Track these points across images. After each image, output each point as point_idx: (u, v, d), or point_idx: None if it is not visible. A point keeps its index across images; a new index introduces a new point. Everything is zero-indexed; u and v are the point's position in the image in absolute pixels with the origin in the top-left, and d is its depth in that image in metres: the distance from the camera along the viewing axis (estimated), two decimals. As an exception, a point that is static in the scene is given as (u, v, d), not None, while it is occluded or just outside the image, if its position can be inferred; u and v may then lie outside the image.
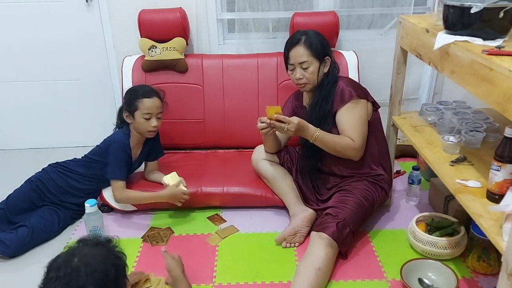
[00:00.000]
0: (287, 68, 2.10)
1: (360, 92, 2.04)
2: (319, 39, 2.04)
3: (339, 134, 2.02)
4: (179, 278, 1.63)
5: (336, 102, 2.02)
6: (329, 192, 2.12)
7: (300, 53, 2.01)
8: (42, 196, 2.21)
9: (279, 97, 2.60)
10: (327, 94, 2.03)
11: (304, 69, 2.02)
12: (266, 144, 2.24)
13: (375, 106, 2.11)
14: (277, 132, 2.12)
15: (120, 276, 1.25)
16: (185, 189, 2.18)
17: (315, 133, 1.95)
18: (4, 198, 2.19)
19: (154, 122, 2.18)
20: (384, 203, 2.24)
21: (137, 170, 2.42)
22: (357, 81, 2.64)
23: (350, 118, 2.00)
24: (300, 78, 2.03)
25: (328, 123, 2.03)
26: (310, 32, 2.06)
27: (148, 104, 2.16)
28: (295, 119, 1.90)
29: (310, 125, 1.95)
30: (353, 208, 1.96)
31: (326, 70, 2.06)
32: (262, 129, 1.99)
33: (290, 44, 2.05)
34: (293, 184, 2.22)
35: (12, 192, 2.21)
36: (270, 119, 1.93)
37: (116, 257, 1.27)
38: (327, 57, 2.05)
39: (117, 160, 2.18)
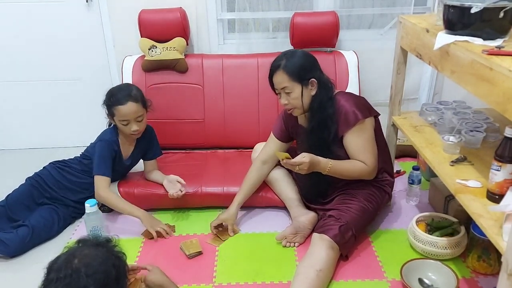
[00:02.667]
0: (275, 93, 2.04)
1: (364, 111, 1.94)
2: (300, 62, 1.92)
3: (346, 154, 1.96)
4: (165, 283, 1.62)
5: (341, 126, 1.93)
6: (332, 194, 2.11)
7: (279, 79, 1.92)
8: (42, 192, 2.22)
9: (279, 97, 2.60)
10: (322, 119, 1.94)
11: (287, 94, 1.94)
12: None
13: (376, 115, 2.04)
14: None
15: (120, 276, 1.24)
16: (164, 225, 2.15)
17: (328, 166, 1.90)
18: (4, 198, 2.19)
19: (133, 127, 2.14)
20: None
21: (138, 170, 2.43)
22: (358, 85, 2.64)
23: (359, 142, 1.93)
24: (286, 104, 1.97)
25: (331, 151, 1.96)
26: (291, 54, 1.95)
27: (122, 111, 2.10)
28: (306, 158, 1.83)
29: (321, 159, 1.89)
30: (357, 212, 1.96)
31: (313, 92, 1.94)
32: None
33: (271, 70, 1.96)
34: (294, 186, 2.22)
35: (12, 191, 2.22)
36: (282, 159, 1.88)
37: (117, 258, 1.26)
38: (312, 79, 1.93)
39: (102, 157, 2.17)
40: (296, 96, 1.93)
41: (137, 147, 2.31)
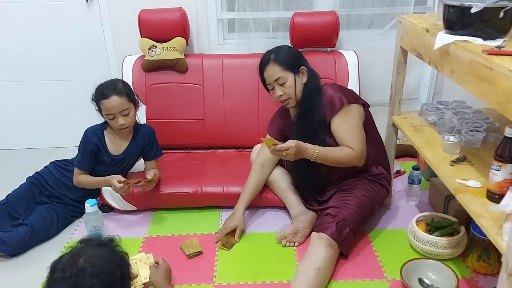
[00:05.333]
0: (268, 90, 2.07)
1: (350, 97, 1.99)
2: (288, 52, 2.01)
3: (335, 143, 1.99)
4: (160, 285, 1.62)
5: (328, 112, 1.97)
6: (329, 192, 2.11)
7: (272, 71, 1.97)
8: (42, 190, 2.24)
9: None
10: (309, 107, 1.98)
11: (281, 85, 1.98)
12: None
13: (365, 106, 2.08)
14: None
15: (125, 276, 1.24)
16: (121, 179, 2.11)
17: (315, 152, 1.91)
18: (5, 197, 2.20)
19: (120, 121, 2.13)
20: (384, 202, 2.23)
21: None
22: (358, 85, 2.65)
23: (346, 127, 1.96)
24: (281, 95, 1.99)
25: (320, 139, 1.97)
26: (277, 49, 2.03)
27: (107, 105, 2.11)
28: (291, 143, 1.86)
29: (309, 145, 1.91)
30: (354, 207, 1.96)
31: (304, 80, 2.01)
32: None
33: (261, 66, 2.01)
34: (293, 185, 2.22)
35: (12, 191, 2.22)
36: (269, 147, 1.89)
37: (120, 258, 1.26)
38: (302, 67, 2.00)
39: (80, 149, 2.21)
40: (290, 85, 1.97)
41: (133, 142, 2.29)
